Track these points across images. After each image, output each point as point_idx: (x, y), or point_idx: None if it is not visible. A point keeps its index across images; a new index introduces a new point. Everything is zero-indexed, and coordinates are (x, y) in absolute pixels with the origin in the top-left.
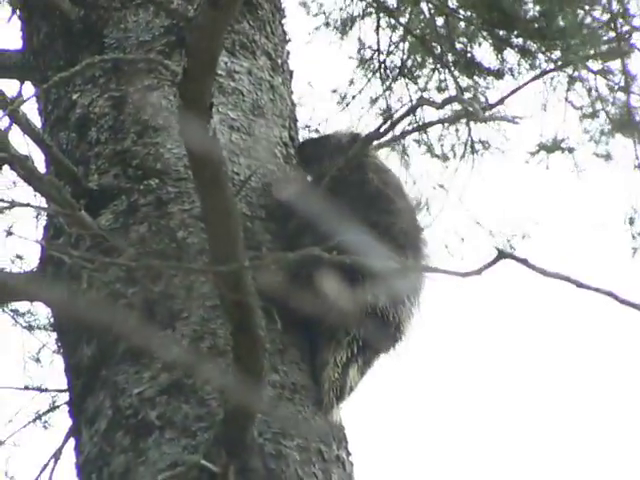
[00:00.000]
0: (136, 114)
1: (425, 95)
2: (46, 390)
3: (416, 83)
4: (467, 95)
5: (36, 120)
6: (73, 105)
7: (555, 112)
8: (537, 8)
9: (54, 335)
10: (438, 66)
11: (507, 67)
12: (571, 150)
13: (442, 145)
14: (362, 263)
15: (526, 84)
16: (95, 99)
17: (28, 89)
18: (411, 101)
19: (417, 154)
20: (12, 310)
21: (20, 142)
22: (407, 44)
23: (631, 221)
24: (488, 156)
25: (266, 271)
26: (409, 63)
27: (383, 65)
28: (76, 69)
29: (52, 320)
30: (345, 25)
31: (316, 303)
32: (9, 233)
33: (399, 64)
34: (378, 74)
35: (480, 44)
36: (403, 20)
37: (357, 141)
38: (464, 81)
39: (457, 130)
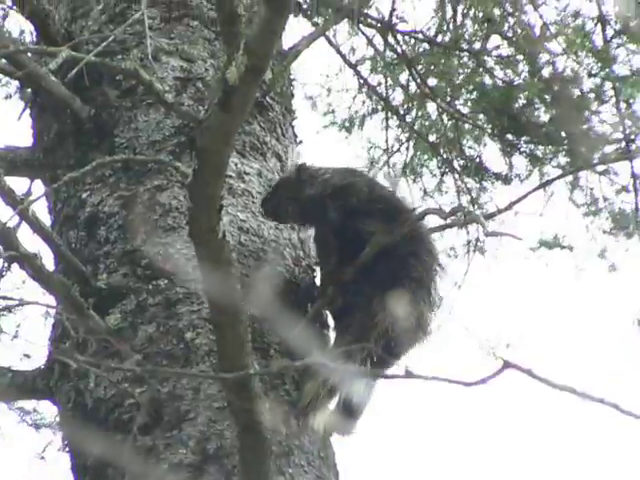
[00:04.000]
0: (145, 214)
1: (430, 194)
2: None
3: (421, 183)
4: (474, 198)
5: (45, 218)
6: (83, 204)
7: (557, 210)
8: (546, 113)
9: (60, 433)
10: (446, 169)
11: (515, 173)
12: (571, 248)
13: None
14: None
15: (535, 190)
16: (105, 198)
17: (38, 187)
18: (423, 200)
19: None
20: (18, 408)
21: (29, 240)
22: (414, 145)
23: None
24: (488, 256)
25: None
26: (415, 163)
27: (388, 164)
28: (86, 169)
29: (58, 418)
30: (352, 124)
31: None
32: (14, 337)
33: (405, 163)
34: (384, 172)
35: (486, 144)
36: (410, 119)
37: (301, 170)
38: (470, 183)
39: (465, 230)
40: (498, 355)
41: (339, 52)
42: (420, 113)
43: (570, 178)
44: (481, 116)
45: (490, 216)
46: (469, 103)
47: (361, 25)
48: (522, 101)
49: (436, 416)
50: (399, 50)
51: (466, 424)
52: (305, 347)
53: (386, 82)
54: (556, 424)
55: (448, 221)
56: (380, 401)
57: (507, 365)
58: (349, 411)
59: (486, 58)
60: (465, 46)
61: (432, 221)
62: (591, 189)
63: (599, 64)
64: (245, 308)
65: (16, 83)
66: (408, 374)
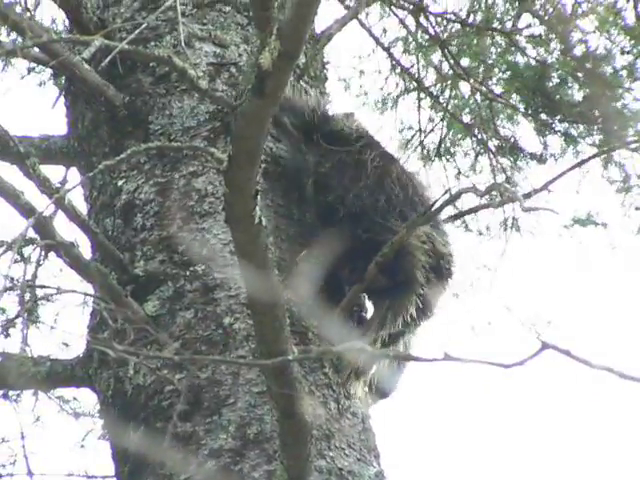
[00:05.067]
0: (182, 200)
1: (464, 173)
2: (94, 477)
3: (455, 163)
4: (510, 176)
5: (82, 206)
6: (118, 191)
7: (591, 187)
8: (579, 92)
9: (99, 422)
10: (480, 150)
11: (549, 152)
12: (605, 225)
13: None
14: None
15: (570, 169)
16: (140, 185)
17: (73, 175)
18: (457, 180)
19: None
20: (58, 397)
21: (66, 228)
22: (447, 125)
23: None
24: (524, 234)
25: None
26: (449, 143)
27: (422, 144)
28: (121, 157)
29: (99, 406)
30: (385, 105)
31: None
32: (52, 327)
33: (438, 143)
34: (417, 152)
35: (519, 123)
36: (443, 100)
37: (318, 115)
38: (505, 163)
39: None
40: (537, 335)
41: (371, 34)
42: (453, 94)
43: (603, 155)
44: (515, 96)
45: (526, 196)
46: (502, 82)
47: (393, 7)
48: (555, 80)
49: (474, 397)
50: (431, 32)
51: (505, 405)
52: (342, 331)
53: (418, 63)
54: (595, 404)
55: (483, 201)
56: (419, 383)
57: (545, 346)
58: (380, 392)
59: (518, 37)
60: (497, 26)
61: (467, 201)
62: (622, 165)
63: (631, 41)
64: (283, 292)
65: (49, 71)
66: (447, 357)
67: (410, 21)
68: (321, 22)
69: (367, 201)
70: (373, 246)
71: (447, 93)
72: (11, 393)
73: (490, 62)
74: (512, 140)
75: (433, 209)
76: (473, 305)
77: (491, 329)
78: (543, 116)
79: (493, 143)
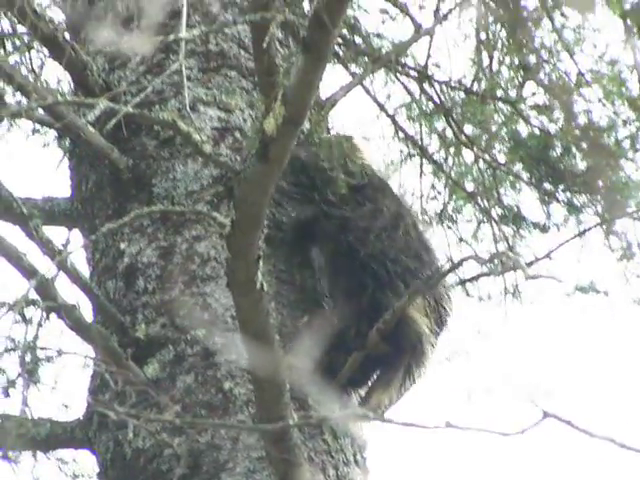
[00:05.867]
0: (184, 264)
1: (466, 240)
2: None
3: (456, 229)
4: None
5: (84, 268)
6: (121, 254)
7: (592, 255)
8: (584, 162)
9: None
10: (483, 218)
11: (552, 222)
12: (606, 293)
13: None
14: None
15: (572, 238)
16: (143, 248)
17: (76, 237)
18: (459, 247)
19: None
20: (57, 458)
21: (68, 290)
22: (449, 192)
23: None
24: (525, 301)
25: None
26: (451, 210)
27: (424, 210)
28: (124, 220)
29: (98, 469)
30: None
31: None
32: (53, 388)
33: (440, 210)
34: (419, 218)
35: (520, 189)
36: (446, 167)
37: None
38: (508, 231)
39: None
40: (536, 405)
41: (376, 101)
42: (457, 161)
43: (605, 225)
44: (518, 164)
45: (529, 264)
46: (506, 151)
47: (398, 74)
48: (559, 150)
49: (475, 464)
50: (436, 99)
51: (505, 472)
52: (342, 398)
53: (422, 130)
54: (596, 473)
55: (485, 268)
56: (420, 451)
57: (547, 415)
58: None
59: (522, 106)
60: (501, 94)
61: (469, 269)
62: (624, 234)
63: (635, 112)
64: (284, 359)
65: (54, 132)
66: (448, 425)
67: (414, 87)
68: (326, 88)
69: (386, 242)
70: (378, 309)
71: (450, 160)
72: (10, 454)
73: (494, 130)
74: (515, 209)
75: (435, 277)
76: (471, 372)
77: (489, 397)
78: (547, 185)
79: (496, 211)
